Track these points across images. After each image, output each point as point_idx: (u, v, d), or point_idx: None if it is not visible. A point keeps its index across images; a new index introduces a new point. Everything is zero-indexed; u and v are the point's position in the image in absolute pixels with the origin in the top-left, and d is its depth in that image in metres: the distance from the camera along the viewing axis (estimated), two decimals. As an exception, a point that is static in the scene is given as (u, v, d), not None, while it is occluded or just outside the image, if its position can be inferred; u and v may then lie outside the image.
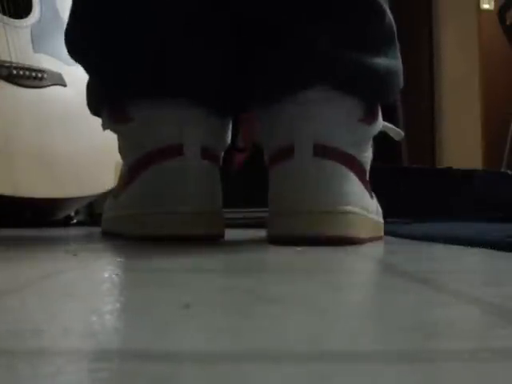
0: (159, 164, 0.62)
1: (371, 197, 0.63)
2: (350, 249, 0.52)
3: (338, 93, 0.58)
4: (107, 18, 0.64)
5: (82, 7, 0.66)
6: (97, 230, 0.83)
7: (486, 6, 2.52)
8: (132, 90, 0.63)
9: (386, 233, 0.68)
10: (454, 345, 0.18)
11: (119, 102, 0.65)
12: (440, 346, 0.18)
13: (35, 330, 0.19)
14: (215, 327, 0.20)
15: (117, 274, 0.35)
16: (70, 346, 0.17)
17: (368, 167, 0.62)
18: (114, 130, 0.68)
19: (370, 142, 0.63)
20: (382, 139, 0.68)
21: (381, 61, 0.59)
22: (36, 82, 1.21)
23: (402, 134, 0.69)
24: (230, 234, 0.67)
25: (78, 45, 0.68)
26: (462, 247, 0.53)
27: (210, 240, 0.62)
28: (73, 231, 1.00)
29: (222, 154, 0.68)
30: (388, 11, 0.60)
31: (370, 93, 0.60)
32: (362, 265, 0.43)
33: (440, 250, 0.53)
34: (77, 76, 1.20)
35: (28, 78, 1.20)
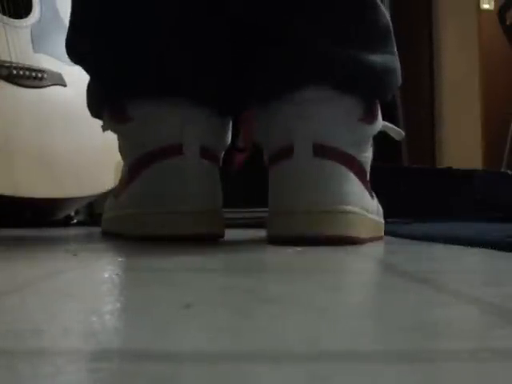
0: (159, 163, 0.62)
1: (371, 197, 0.63)
2: (349, 249, 0.52)
3: (337, 92, 0.58)
4: (108, 21, 0.64)
5: (83, 11, 0.67)
6: (97, 230, 0.83)
7: (486, 6, 2.52)
8: (132, 89, 0.63)
9: (386, 233, 0.68)
10: (454, 345, 0.18)
11: (119, 102, 0.65)
12: (440, 345, 0.18)
13: (35, 329, 0.19)
14: (215, 327, 0.20)
15: (117, 274, 0.35)
16: (69, 346, 0.17)
17: (368, 167, 0.62)
18: (115, 131, 0.68)
19: (370, 142, 0.63)
20: (382, 139, 0.68)
21: (377, 58, 0.59)
22: (36, 82, 1.21)
23: (403, 133, 0.69)
24: (230, 233, 0.67)
25: (79, 48, 0.68)
26: (462, 247, 0.53)
27: (211, 240, 0.62)
28: (73, 231, 1.00)
29: (222, 154, 0.68)
30: (382, 7, 0.61)
31: (368, 90, 0.60)
32: (362, 265, 0.43)
33: (440, 250, 0.53)
34: (77, 76, 1.19)
35: (28, 78, 1.20)
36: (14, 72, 1.19)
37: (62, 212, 1.25)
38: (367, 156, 0.62)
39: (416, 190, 1.24)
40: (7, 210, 1.12)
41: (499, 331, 0.19)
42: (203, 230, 0.61)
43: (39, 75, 1.22)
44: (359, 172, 0.59)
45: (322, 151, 0.56)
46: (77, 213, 1.34)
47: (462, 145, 2.42)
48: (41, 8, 1.28)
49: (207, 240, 0.62)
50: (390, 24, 0.62)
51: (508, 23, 2.20)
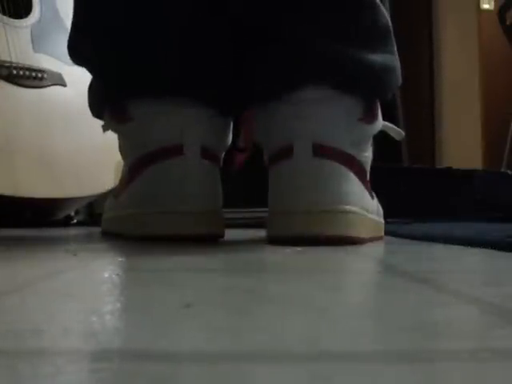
0: (160, 163, 0.62)
1: (372, 197, 0.63)
2: (349, 249, 0.52)
3: (337, 92, 0.58)
4: (111, 21, 0.64)
5: (86, 12, 0.67)
6: (97, 230, 0.83)
7: (486, 6, 2.52)
8: (134, 89, 0.63)
9: (387, 233, 0.68)
10: (454, 345, 0.18)
11: (121, 102, 0.65)
12: (440, 345, 0.18)
13: (35, 329, 0.19)
14: (215, 327, 0.20)
15: (117, 274, 0.35)
16: (69, 346, 0.17)
17: (368, 167, 0.62)
18: (115, 131, 0.68)
19: (370, 142, 0.63)
20: (382, 139, 0.68)
21: (377, 57, 0.59)
22: (36, 82, 1.21)
23: (403, 133, 0.69)
24: (230, 233, 0.67)
25: (82, 49, 0.68)
26: (462, 247, 0.53)
27: (211, 240, 0.62)
28: (73, 231, 1.00)
29: (223, 154, 0.68)
30: (382, 7, 0.61)
31: (368, 90, 0.60)
32: (362, 265, 0.43)
33: (440, 250, 0.53)
34: (77, 76, 1.19)
35: (28, 78, 1.20)
36: (14, 72, 1.19)
37: (61, 212, 1.25)
38: (367, 156, 0.62)
39: (416, 190, 1.24)
40: (7, 210, 1.12)
41: (499, 331, 0.19)
42: (203, 230, 0.61)
43: (39, 75, 1.22)
44: (359, 172, 0.59)
45: (322, 151, 0.56)
46: (77, 213, 1.34)
47: (462, 145, 2.42)
48: (41, 8, 1.28)
49: (207, 240, 0.62)
50: (390, 24, 0.62)
51: (508, 23, 2.20)
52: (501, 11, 2.23)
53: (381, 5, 0.60)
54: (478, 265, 0.44)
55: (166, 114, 0.62)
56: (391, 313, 0.23)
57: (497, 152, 2.24)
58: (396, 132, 0.68)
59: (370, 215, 0.61)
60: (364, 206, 0.59)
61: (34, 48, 1.24)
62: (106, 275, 0.35)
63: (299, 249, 0.51)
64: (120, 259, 0.46)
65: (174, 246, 0.55)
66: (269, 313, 0.22)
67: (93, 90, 0.70)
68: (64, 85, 1.25)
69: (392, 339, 0.18)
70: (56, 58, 1.24)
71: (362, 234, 0.58)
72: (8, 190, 1.10)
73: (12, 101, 1.18)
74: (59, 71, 1.25)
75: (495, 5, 2.46)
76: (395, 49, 0.62)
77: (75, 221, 1.30)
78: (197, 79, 0.63)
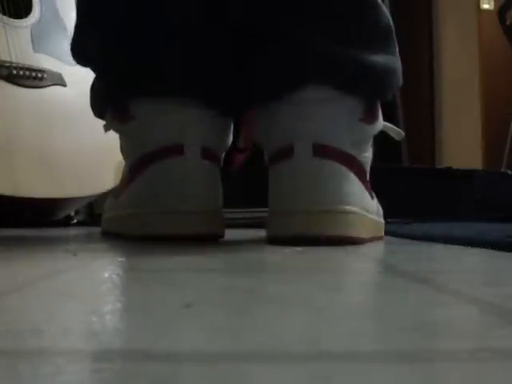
0: (160, 163, 0.62)
1: (372, 197, 0.63)
2: (349, 249, 0.52)
3: (337, 92, 0.58)
4: (115, 22, 0.64)
5: (89, 13, 0.67)
6: (97, 230, 0.83)
7: (485, 6, 2.52)
8: (137, 88, 0.64)
9: (387, 233, 0.68)
10: (454, 345, 0.18)
11: (123, 102, 0.65)
12: (440, 345, 0.18)
13: (35, 329, 0.19)
14: (216, 327, 0.20)
15: (117, 274, 0.35)
16: (70, 346, 0.17)
17: (368, 167, 0.62)
18: (117, 130, 0.68)
19: (371, 142, 0.63)
20: (382, 139, 0.68)
21: (379, 58, 0.59)
22: (36, 82, 1.21)
23: (403, 133, 0.69)
24: (230, 233, 0.67)
25: (86, 49, 0.69)
26: (462, 247, 0.53)
27: (211, 240, 0.62)
28: (73, 231, 1.00)
29: (223, 154, 0.68)
30: (384, 7, 0.61)
31: (369, 91, 0.60)
32: (362, 265, 0.43)
33: (440, 250, 0.53)
34: (77, 76, 1.20)
35: (28, 78, 1.20)
36: (14, 72, 1.19)
37: (62, 212, 1.25)
38: (367, 156, 0.62)
39: (416, 190, 1.24)
40: (7, 210, 1.12)
41: (499, 331, 0.19)
42: (204, 230, 0.61)
43: (39, 75, 1.22)
44: (359, 172, 0.59)
45: (322, 151, 0.56)
46: (77, 213, 1.34)
47: (462, 145, 2.42)
48: (41, 8, 1.28)
49: (208, 240, 0.62)
50: (392, 24, 0.62)
51: (508, 23, 2.20)
52: (501, 11, 2.23)
53: (382, 5, 0.60)
54: (477, 265, 0.44)
55: (166, 113, 0.62)
56: (391, 313, 0.23)
57: (497, 152, 2.24)
58: (396, 132, 0.68)
59: (370, 215, 0.61)
60: (364, 206, 0.59)
61: (34, 48, 1.24)
62: (106, 275, 0.35)
63: (299, 249, 0.51)
64: (120, 259, 0.46)
65: (174, 246, 0.55)
66: (269, 313, 0.22)
67: (95, 89, 0.70)
68: (64, 85, 1.25)
69: (392, 339, 0.18)
70: (56, 58, 1.24)
71: (362, 234, 0.58)
72: (8, 190, 1.10)
73: (12, 101, 1.18)
74: (59, 71, 1.25)
75: (495, 5, 2.46)
76: (397, 50, 0.62)
77: (75, 221, 1.30)
78: (198, 79, 0.63)
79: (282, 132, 0.58)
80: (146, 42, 0.63)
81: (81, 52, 0.70)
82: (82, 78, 1.24)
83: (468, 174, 1.30)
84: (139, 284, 0.31)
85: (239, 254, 0.50)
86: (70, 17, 1.28)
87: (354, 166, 0.58)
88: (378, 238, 0.64)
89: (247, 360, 0.16)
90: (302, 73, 0.58)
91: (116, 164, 1.18)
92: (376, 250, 0.56)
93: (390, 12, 0.63)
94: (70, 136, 1.22)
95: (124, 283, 0.32)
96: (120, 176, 0.73)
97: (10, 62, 1.19)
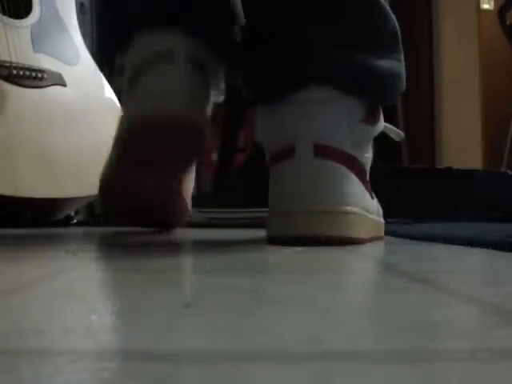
0: (151, 68, 0.67)
1: (372, 197, 0.63)
2: (350, 249, 0.52)
3: (340, 93, 0.58)
4: None
5: None
6: (97, 230, 0.83)
7: (485, 6, 2.52)
8: (139, 18, 0.70)
9: (387, 233, 0.68)
10: (454, 345, 0.18)
11: (127, 32, 0.70)
12: (440, 346, 0.18)
13: (36, 329, 0.19)
14: (215, 327, 0.20)
15: (117, 274, 0.35)
16: (70, 346, 0.18)
17: (368, 168, 0.62)
18: (120, 68, 0.73)
19: (371, 143, 0.63)
20: (382, 139, 0.68)
21: (384, 63, 0.59)
22: (36, 82, 1.21)
23: (402, 134, 0.69)
24: (230, 234, 0.67)
25: None
26: (462, 247, 0.53)
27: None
28: (73, 231, 1.00)
29: (213, 71, 0.71)
30: (389, 10, 0.60)
31: (372, 94, 0.60)
32: (362, 265, 0.43)
33: (440, 250, 0.53)
34: (77, 76, 1.20)
35: (28, 77, 1.20)
36: (14, 72, 1.19)
37: (61, 212, 1.25)
38: (368, 156, 0.62)
39: (416, 190, 1.24)
40: (7, 210, 1.12)
41: (499, 331, 0.19)
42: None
43: (39, 75, 1.22)
44: (360, 172, 0.59)
45: (323, 151, 0.56)
46: (77, 213, 1.34)
47: (461, 145, 2.42)
48: (41, 8, 1.28)
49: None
50: (398, 27, 0.61)
51: (508, 23, 2.20)
52: (501, 11, 2.23)
53: (387, 6, 0.60)
54: (477, 265, 0.44)
55: (162, 32, 0.68)
56: (391, 313, 0.23)
57: (497, 152, 2.24)
58: (396, 133, 0.68)
59: (370, 215, 0.61)
60: (365, 206, 0.59)
61: (34, 48, 1.24)
62: (106, 275, 0.35)
63: (299, 249, 0.51)
64: (120, 259, 0.46)
65: (173, 247, 0.55)
66: (269, 313, 0.22)
67: (101, 30, 0.79)
68: (64, 85, 1.25)
69: (392, 339, 0.18)
70: (56, 58, 1.24)
71: (363, 234, 0.58)
72: (8, 190, 1.10)
73: (12, 101, 1.18)
74: (59, 71, 1.25)
75: (495, 5, 2.46)
76: (402, 55, 0.62)
77: (75, 221, 1.30)
78: (192, 14, 0.69)
79: (284, 132, 0.58)
80: None
81: None
82: (81, 78, 1.25)
83: (468, 174, 1.30)
84: (139, 284, 0.31)
85: (239, 254, 0.50)
86: (69, 17, 1.28)
87: (355, 166, 0.58)
88: (378, 238, 0.64)
89: (247, 360, 0.16)
90: (305, 73, 0.58)
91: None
92: (376, 249, 0.56)
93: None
94: (70, 136, 1.22)
95: (124, 283, 0.32)
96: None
97: (10, 62, 1.19)
